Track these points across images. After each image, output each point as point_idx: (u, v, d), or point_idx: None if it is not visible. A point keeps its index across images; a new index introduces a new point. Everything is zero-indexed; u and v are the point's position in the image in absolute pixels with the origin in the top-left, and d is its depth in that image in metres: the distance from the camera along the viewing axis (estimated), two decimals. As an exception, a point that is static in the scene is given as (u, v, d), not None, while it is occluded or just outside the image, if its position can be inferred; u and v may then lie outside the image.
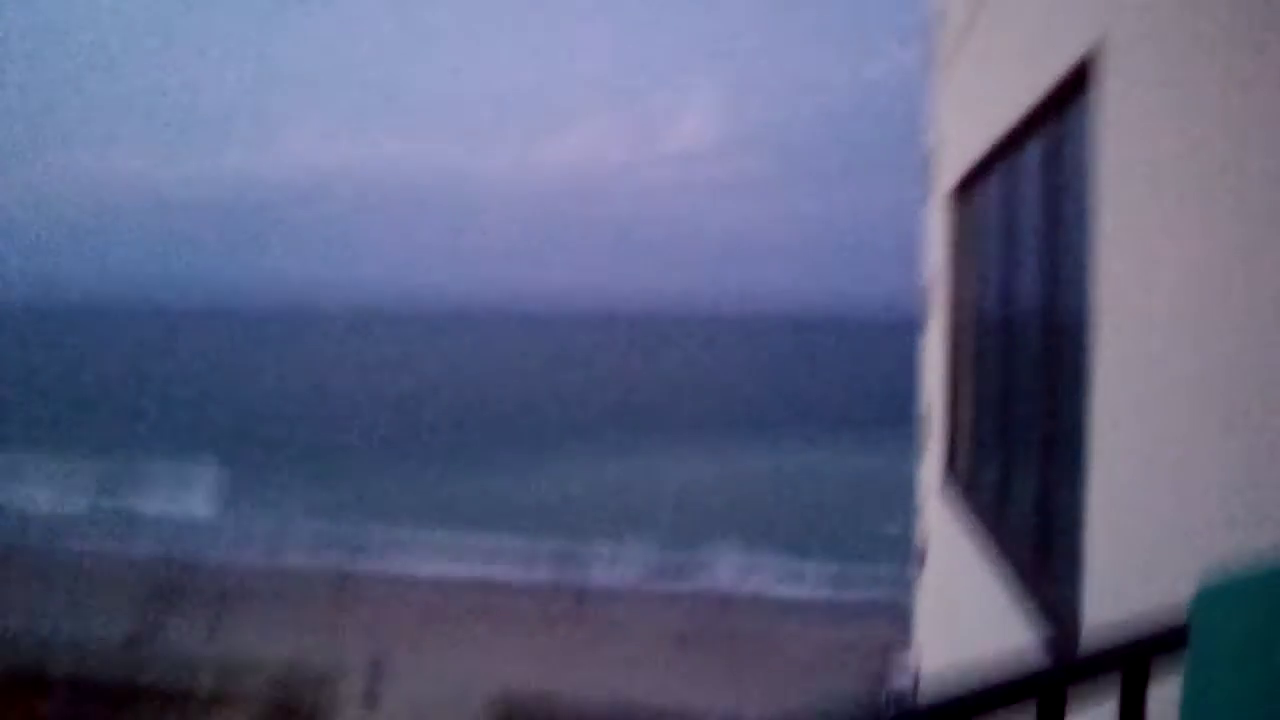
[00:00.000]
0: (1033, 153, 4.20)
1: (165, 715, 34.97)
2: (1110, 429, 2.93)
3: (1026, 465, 4.29)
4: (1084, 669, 1.26)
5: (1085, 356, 3.16)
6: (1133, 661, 1.27)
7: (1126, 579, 2.74)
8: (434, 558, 56.09)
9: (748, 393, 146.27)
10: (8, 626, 42.75)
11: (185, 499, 71.13)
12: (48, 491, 73.11)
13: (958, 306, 6.47)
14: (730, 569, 53.06)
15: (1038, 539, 3.99)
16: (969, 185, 5.92)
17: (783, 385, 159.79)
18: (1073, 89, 3.46)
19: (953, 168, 6.37)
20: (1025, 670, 1.22)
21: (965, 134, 5.80)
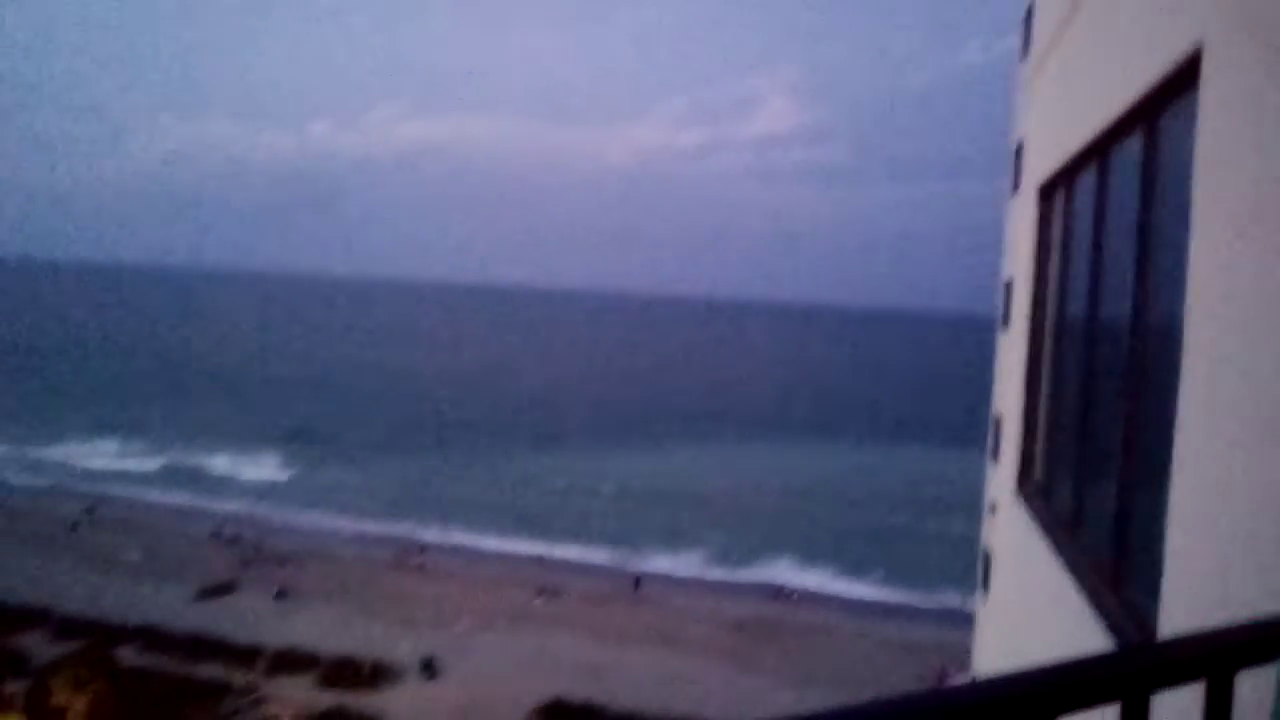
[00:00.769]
0: (1129, 150, 4.07)
1: (232, 670, 36.12)
2: (1197, 437, 2.85)
3: (1107, 472, 4.19)
4: (1172, 671, 1.24)
5: (1175, 362, 3.07)
6: (1221, 666, 1.25)
7: (1207, 590, 2.67)
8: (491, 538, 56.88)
9: (812, 383, 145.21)
10: (89, 579, 44.49)
11: (257, 462, 72.84)
12: (136, 443, 75.69)
13: (1040, 306, 6.32)
14: (788, 569, 52.90)
15: (1115, 548, 3.90)
16: (1058, 182, 5.77)
17: (850, 377, 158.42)
18: (1174, 86, 3.36)
19: (1042, 163, 6.22)
20: (1110, 670, 1.20)
21: (1057, 129, 5.65)
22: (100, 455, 72.72)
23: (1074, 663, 1.17)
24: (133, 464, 70.86)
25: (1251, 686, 1.24)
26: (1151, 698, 1.20)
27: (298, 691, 34.88)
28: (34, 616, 39.35)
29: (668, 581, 49.77)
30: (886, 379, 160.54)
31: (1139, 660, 1.26)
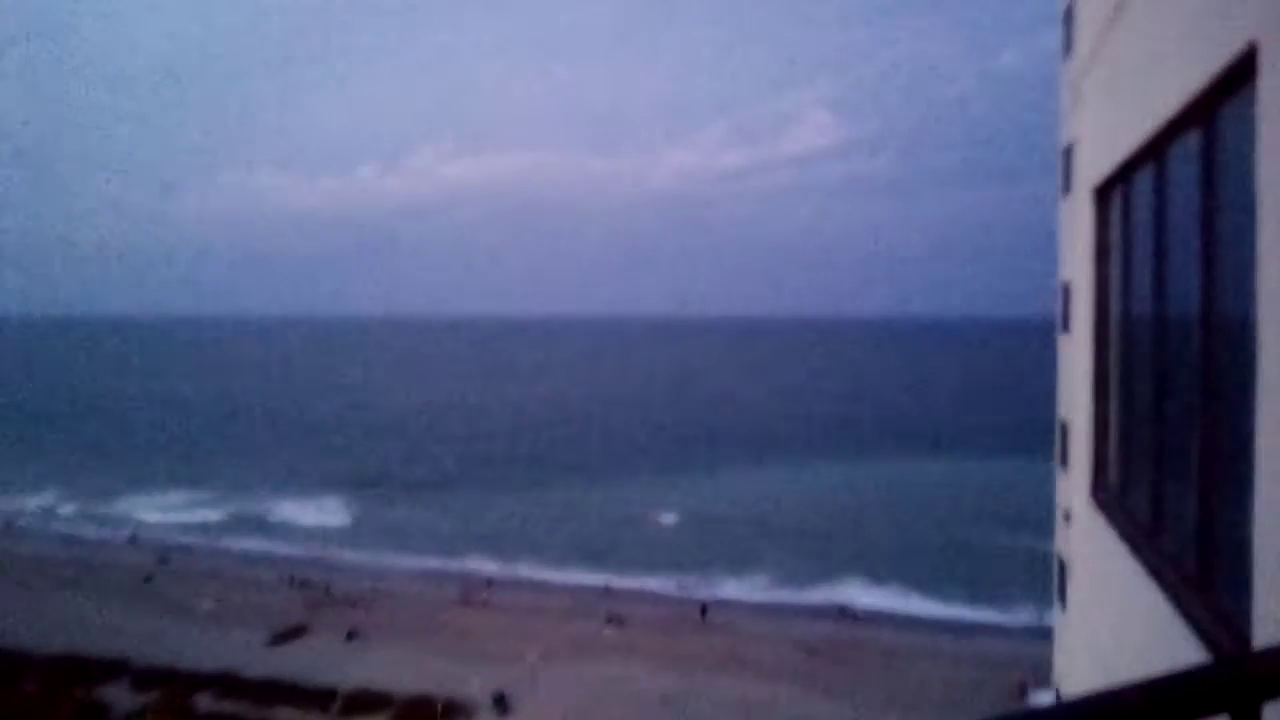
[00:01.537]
0: (1190, 147, 4.02)
1: (306, 713, 36.45)
2: (1279, 435, 2.79)
3: (1187, 475, 4.10)
4: None
5: (1250, 360, 3.02)
6: None
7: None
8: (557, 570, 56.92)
9: (868, 398, 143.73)
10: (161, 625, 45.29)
11: (320, 506, 73.70)
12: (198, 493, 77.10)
13: (1104, 311, 6.22)
14: (857, 589, 52.14)
15: (1201, 553, 3.81)
16: (1115, 183, 5.70)
17: (906, 390, 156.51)
18: (1231, 83, 3.32)
19: (1097, 165, 6.14)
20: (1215, 681, 1.16)
21: (1110, 130, 5.59)
22: (167, 507, 74.15)
23: (1175, 675, 1.14)
24: (199, 514, 72.18)
25: None
26: (1262, 708, 1.16)
27: (373, 732, 35.06)
28: (114, 667, 40.14)
29: (735, 606, 49.36)
30: (944, 390, 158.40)
31: (1245, 670, 1.22)
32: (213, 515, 71.71)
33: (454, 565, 57.02)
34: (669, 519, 68.10)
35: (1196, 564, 3.86)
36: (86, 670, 39.58)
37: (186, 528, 67.82)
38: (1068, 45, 7.30)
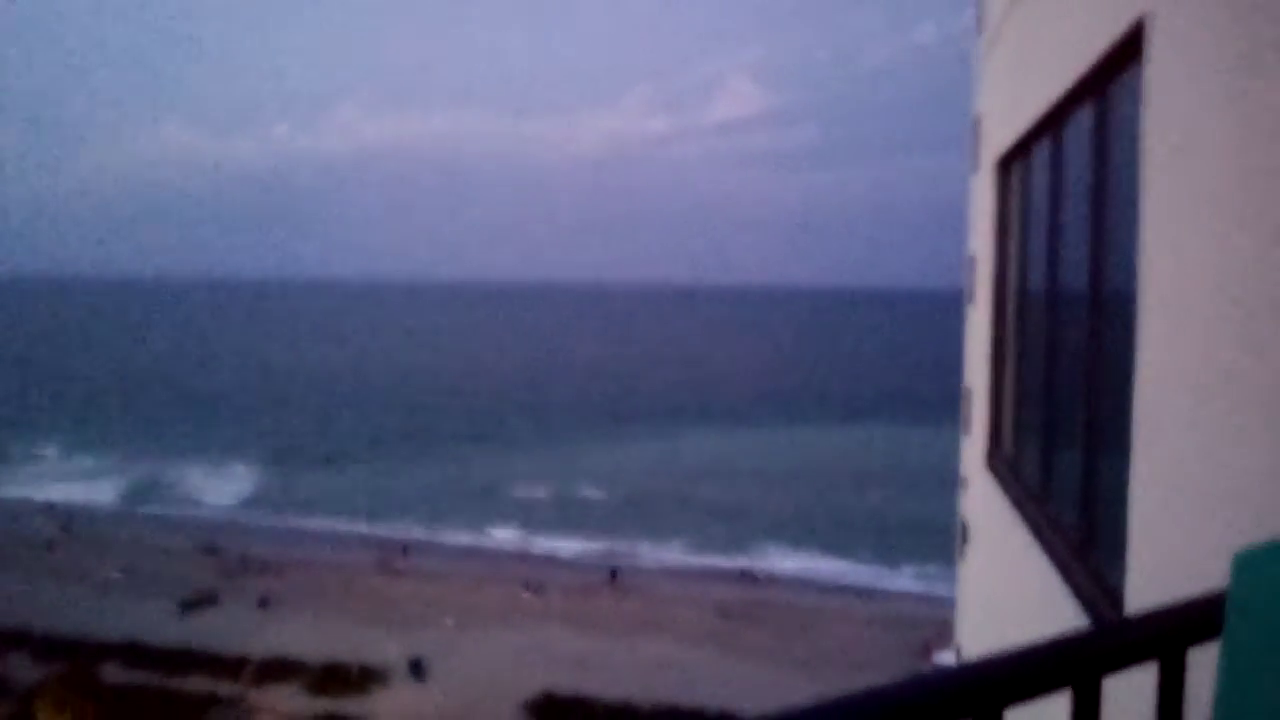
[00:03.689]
0: (1080, 123, 4.09)
1: (218, 682, 35.84)
2: (1154, 408, 2.86)
3: (1071, 444, 4.21)
4: (1122, 654, 1.21)
5: (1131, 334, 3.08)
6: (1171, 645, 1.23)
7: (1170, 563, 2.68)
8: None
9: (790, 366, 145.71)
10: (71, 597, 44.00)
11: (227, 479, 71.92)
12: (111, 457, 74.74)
13: (1002, 282, 6.35)
14: (771, 553, 53.11)
15: (1082, 522, 3.92)
16: (1014, 156, 5.79)
17: (827, 359, 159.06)
18: (1122, 56, 3.36)
19: (999, 138, 6.23)
20: (1059, 657, 1.19)
21: (1012, 104, 5.67)
22: (66, 475, 71.52)
23: (1021, 652, 1.15)
24: (102, 482, 69.82)
25: (1203, 662, 1.23)
26: (1103, 681, 1.18)
27: (286, 699, 34.68)
28: (13, 638, 38.83)
29: (652, 571, 49.86)
30: (865, 359, 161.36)
31: (1088, 646, 1.24)
32: (116, 483, 69.51)
33: (369, 532, 56.41)
34: (589, 484, 68.31)
35: (1079, 532, 3.96)
36: (-17, 642, 38.21)
37: (89, 494, 65.70)
38: (980, 20, 7.44)
